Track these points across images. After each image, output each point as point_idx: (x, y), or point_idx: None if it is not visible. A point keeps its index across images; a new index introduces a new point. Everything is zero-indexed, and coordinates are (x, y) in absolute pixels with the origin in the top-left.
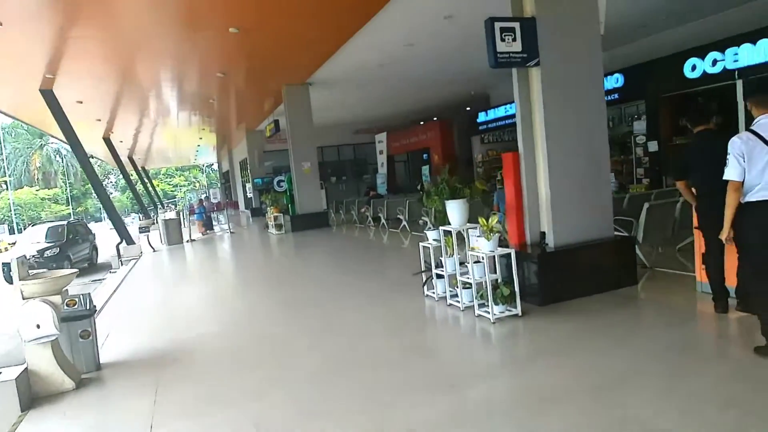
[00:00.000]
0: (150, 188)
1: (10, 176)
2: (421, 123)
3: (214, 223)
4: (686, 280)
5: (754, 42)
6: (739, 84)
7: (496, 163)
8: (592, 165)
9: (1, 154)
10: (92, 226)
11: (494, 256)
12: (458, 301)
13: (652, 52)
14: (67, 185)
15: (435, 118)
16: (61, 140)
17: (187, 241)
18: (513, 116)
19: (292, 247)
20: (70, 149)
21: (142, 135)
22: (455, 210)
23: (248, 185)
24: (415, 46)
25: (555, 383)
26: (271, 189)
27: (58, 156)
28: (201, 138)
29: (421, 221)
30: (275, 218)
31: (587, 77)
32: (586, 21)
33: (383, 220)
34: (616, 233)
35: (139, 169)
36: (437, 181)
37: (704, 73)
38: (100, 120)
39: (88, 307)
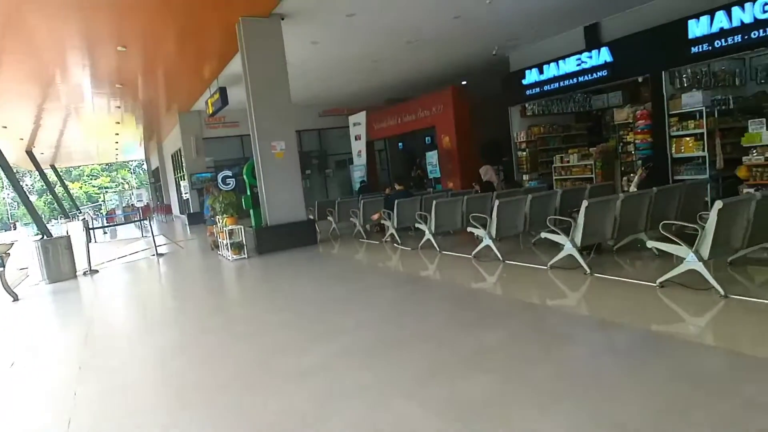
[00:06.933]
0: (61, 190)
1: None
2: (399, 102)
3: (140, 235)
4: None
5: None
6: None
7: (544, 145)
8: None
9: None
10: None
11: None
12: None
13: None
14: None
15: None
16: None
17: (85, 273)
18: (580, 73)
19: (274, 314)
20: None
21: (44, 121)
22: None
23: (183, 184)
24: None
25: None
26: (216, 188)
27: None
28: (118, 123)
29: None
30: (231, 234)
31: None
32: None
33: (430, 235)
34: None
35: (41, 167)
36: None
37: None
38: None
39: None
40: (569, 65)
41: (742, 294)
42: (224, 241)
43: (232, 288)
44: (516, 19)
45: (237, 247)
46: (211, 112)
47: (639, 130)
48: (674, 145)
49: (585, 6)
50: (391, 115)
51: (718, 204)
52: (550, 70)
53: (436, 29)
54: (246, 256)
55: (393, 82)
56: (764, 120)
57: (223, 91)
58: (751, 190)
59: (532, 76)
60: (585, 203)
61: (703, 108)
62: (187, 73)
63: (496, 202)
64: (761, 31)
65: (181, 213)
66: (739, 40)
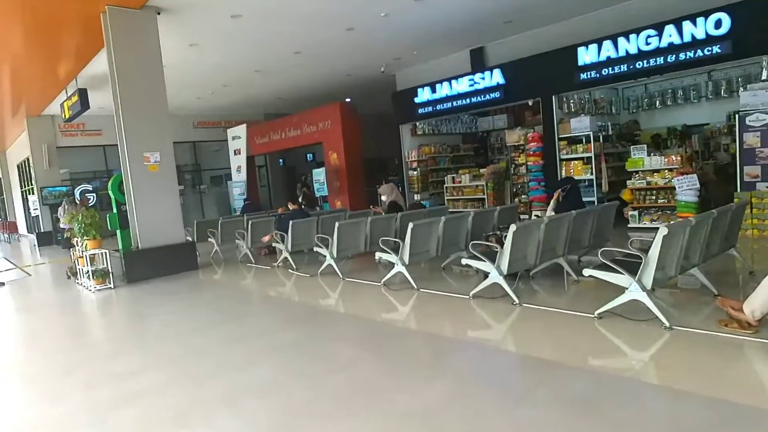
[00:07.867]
0: None
1: None
2: (278, 117)
3: None
4: None
5: None
6: None
7: (435, 165)
8: None
9: None
10: None
11: None
12: None
13: None
14: None
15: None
16: None
17: None
18: (473, 94)
19: (141, 375)
20: None
21: None
22: None
23: (32, 198)
24: None
25: None
26: (74, 203)
27: None
28: None
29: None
30: (93, 259)
31: None
32: None
33: (332, 260)
34: None
35: None
36: None
37: None
38: None
39: None
40: (462, 85)
41: (686, 325)
42: (84, 268)
43: (90, 331)
44: (406, 37)
45: (100, 276)
46: (67, 116)
47: (531, 152)
48: (564, 168)
49: (474, 29)
50: (274, 129)
51: (663, 230)
52: (443, 89)
53: (328, 40)
54: (112, 285)
55: (276, 96)
56: (646, 146)
57: (83, 93)
58: (635, 213)
59: (424, 95)
60: (513, 227)
61: (590, 133)
62: (39, 70)
63: (411, 225)
64: (644, 62)
65: (29, 232)
66: (625, 69)
